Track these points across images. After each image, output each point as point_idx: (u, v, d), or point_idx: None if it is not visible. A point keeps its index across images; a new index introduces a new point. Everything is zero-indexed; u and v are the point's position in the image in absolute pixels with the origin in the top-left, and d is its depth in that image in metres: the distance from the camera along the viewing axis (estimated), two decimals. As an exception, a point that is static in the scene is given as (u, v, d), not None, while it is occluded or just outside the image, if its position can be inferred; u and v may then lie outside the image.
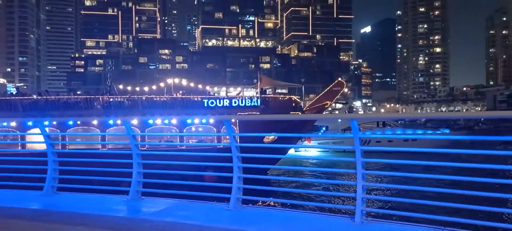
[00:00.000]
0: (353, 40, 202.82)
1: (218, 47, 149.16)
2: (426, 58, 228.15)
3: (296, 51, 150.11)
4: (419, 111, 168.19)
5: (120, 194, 6.51)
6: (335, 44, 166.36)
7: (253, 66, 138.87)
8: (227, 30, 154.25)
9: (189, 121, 26.65)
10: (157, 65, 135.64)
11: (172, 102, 29.44)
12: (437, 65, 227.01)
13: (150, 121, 25.98)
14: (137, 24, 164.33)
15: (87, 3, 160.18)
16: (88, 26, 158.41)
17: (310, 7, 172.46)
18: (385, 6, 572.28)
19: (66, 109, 27.12)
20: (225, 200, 5.66)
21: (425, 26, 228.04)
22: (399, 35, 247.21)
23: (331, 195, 22.48)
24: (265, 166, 6.06)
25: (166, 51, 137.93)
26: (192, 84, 39.90)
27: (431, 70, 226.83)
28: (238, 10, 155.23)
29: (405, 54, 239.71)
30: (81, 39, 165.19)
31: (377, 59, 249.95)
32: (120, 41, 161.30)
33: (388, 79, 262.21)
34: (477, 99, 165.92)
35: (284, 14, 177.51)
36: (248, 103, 29.56)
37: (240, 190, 5.60)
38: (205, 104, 29.22)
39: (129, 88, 42.29)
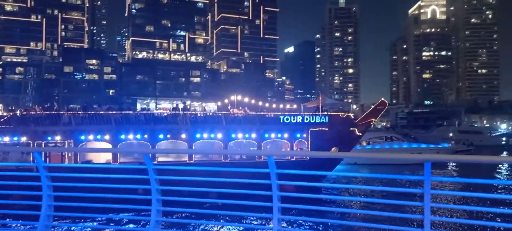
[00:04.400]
0: (278, 59, 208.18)
1: (148, 59, 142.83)
2: (341, 78, 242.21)
3: (225, 67, 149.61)
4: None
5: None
6: (261, 61, 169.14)
7: (183, 79, 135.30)
8: (158, 44, 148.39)
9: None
10: (84, 75, 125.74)
11: (251, 118, 30.95)
12: (350, 84, 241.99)
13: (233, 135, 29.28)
14: (63, 33, 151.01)
15: (8, 8, 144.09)
16: (8, 32, 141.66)
17: (239, 27, 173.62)
18: (306, 29, 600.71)
19: (156, 124, 28.14)
20: None
21: (340, 49, 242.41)
22: (318, 56, 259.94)
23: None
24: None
25: (94, 61, 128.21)
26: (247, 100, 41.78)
27: (344, 89, 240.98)
28: (169, 25, 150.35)
29: (323, 73, 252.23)
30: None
31: (299, 77, 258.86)
32: (43, 49, 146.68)
33: (308, 96, 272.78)
34: (382, 115, 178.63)
35: (215, 31, 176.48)
36: (318, 120, 31.61)
37: (159, 222, 4.88)
38: (281, 121, 30.97)
39: (188, 102, 42.79)
